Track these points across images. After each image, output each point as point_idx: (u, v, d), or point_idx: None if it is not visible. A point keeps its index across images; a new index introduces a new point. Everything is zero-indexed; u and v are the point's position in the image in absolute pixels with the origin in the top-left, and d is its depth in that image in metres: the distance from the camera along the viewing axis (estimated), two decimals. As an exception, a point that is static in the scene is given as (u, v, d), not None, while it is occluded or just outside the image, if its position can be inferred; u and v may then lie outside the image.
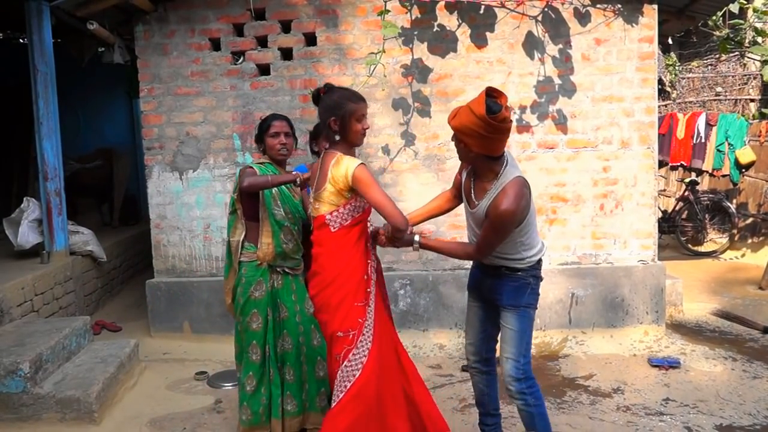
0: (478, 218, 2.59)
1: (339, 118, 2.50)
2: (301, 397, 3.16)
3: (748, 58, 8.99)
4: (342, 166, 2.45)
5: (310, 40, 4.67)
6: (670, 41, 8.76)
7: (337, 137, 2.56)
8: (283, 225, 3.05)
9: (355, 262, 2.51)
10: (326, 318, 2.55)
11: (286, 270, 3.12)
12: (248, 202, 3.06)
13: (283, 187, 3.05)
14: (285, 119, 3.17)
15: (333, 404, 2.49)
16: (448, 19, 4.60)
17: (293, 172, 3.12)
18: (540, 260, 2.70)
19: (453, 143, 2.61)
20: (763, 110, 8.72)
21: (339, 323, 2.48)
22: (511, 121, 2.49)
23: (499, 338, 2.74)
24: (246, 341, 3.09)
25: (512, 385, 2.61)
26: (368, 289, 2.52)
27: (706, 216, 7.99)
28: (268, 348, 3.09)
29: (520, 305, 2.63)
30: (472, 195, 2.64)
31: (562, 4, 4.55)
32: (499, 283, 2.65)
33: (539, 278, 2.71)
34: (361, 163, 2.46)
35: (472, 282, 2.88)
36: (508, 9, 4.55)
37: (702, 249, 7.87)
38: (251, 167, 3.06)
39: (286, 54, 4.69)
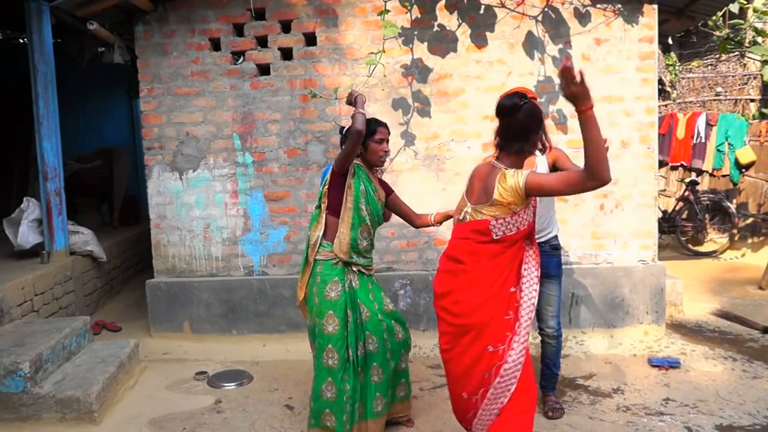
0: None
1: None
2: (389, 394, 3.11)
3: (748, 58, 8.99)
4: (510, 180, 2.36)
5: (310, 40, 4.67)
6: (670, 41, 8.75)
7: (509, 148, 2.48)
8: (364, 221, 3.03)
9: (503, 279, 2.42)
10: (475, 334, 2.47)
11: (362, 269, 3.08)
12: (334, 194, 3.03)
13: (369, 190, 3.05)
14: (387, 126, 3.14)
15: (481, 422, 2.49)
16: (448, 19, 4.60)
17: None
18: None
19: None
20: (763, 110, 8.72)
21: (488, 338, 2.43)
22: None
23: (543, 302, 3.45)
24: (321, 345, 2.98)
25: (556, 331, 3.47)
26: (516, 304, 2.44)
27: (706, 216, 7.99)
28: (350, 351, 2.96)
29: (561, 275, 3.48)
30: None
31: (562, 4, 4.55)
32: (549, 259, 3.36)
33: None
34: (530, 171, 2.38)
35: None
36: (508, 9, 4.56)
37: (702, 249, 7.88)
38: None
39: (286, 54, 4.69)
